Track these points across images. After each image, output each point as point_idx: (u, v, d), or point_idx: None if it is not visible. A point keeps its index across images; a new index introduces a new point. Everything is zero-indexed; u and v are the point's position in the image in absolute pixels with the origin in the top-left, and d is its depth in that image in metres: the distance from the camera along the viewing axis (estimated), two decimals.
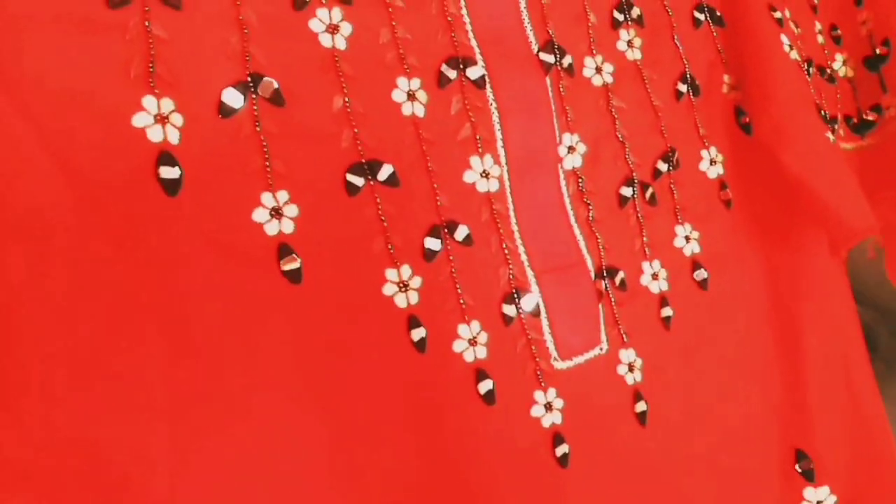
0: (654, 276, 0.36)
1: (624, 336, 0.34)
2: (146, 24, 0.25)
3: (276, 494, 0.27)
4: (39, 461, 0.23)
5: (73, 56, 0.24)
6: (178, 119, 0.25)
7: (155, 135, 0.25)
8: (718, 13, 0.39)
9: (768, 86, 0.37)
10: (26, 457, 0.23)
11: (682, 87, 0.38)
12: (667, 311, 0.36)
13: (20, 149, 0.23)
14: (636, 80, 0.36)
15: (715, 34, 0.39)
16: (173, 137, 0.25)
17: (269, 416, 0.27)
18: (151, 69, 0.25)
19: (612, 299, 0.34)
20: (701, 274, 0.37)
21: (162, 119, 0.25)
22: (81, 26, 0.24)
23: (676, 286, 0.37)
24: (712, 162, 0.39)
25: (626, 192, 0.35)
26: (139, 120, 0.24)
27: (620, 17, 0.36)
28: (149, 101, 0.25)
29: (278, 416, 0.27)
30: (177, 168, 0.25)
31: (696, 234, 0.38)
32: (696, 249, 0.37)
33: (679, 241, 0.37)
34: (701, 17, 0.39)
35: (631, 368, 0.34)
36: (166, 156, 0.25)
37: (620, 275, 0.35)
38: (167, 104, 0.25)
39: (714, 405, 0.37)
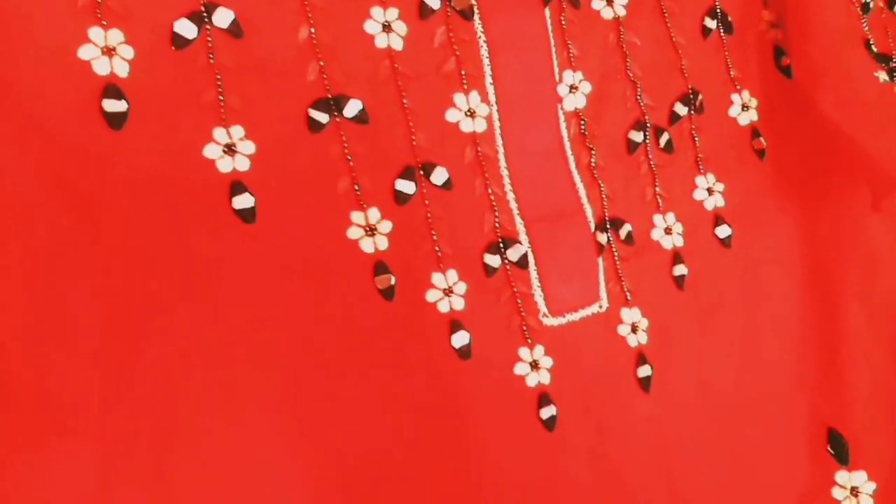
0: (668, 231, 0.33)
1: (628, 294, 0.32)
2: None
3: (235, 446, 0.26)
4: None
5: None
6: (127, 51, 0.24)
7: (101, 67, 0.24)
8: None
9: (809, 21, 0.33)
10: None
11: (711, 23, 0.34)
12: (680, 269, 0.33)
13: None
14: (654, 13, 0.33)
15: None
16: (121, 70, 0.24)
17: (220, 364, 0.26)
18: (99, 0, 0.24)
19: (616, 253, 0.32)
20: (724, 230, 0.34)
21: (109, 51, 0.24)
22: None
23: (693, 242, 0.33)
24: (744, 107, 0.35)
25: (637, 136, 0.32)
26: (85, 52, 0.24)
27: None
28: (95, 33, 0.24)
29: (231, 366, 0.26)
30: (123, 101, 0.24)
31: (720, 186, 0.34)
32: (720, 203, 0.34)
33: (700, 194, 0.34)
34: None
35: (634, 329, 0.32)
36: (112, 88, 0.24)
37: (626, 227, 0.32)
38: (116, 35, 0.24)
39: (732, 374, 0.34)
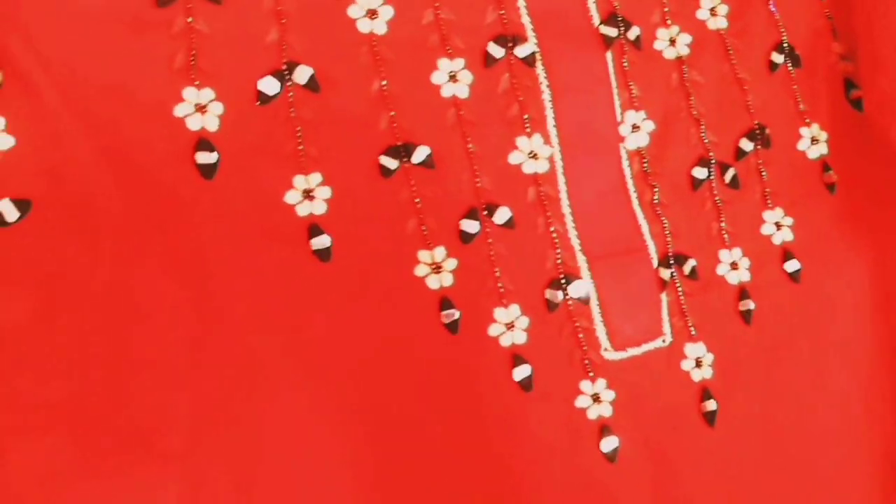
0: (734, 266, 0.33)
1: (692, 329, 0.32)
2: (189, 19, 0.27)
3: (299, 470, 0.28)
4: (71, 407, 0.25)
5: (120, 52, 0.26)
6: (217, 108, 0.27)
7: (194, 123, 0.27)
8: None
9: (880, 53, 0.32)
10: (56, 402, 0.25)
11: (778, 58, 0.34)
12: (747, 304, 0.33)
13: (69, 141, 0.25)
14: (718, 51, 0.34)
15: None
16: (212, 125, 0.27)
17: (295, 394, 0.28)
18: (193, 62, 0.27)
19: (680, 289, 0.32)
20: (793, 264, 0.34)
21: (201, 108, 0.27)
22: (131, 24, 0.26)
23: (761, 277, 0.33)
24: (813, 140, 0.35)
25: (700, 173, 0.33)
26: (180, 110, 0.26)
27: None
28: (189, 92, 0.27)
29: (305, 394, 0.28)
30: (214, 153, 0.27)
31: (788, 221, 0.34)
32: (788, 237, 0.34)
33: (767, 228, 0.34)
34: None
35: (699, 364, 0.32)
36: (204, 142, 0.27)
37: (690, 263, 0.32)
38: (207, 94, 0.27)
39: (800, 409, 0.33)
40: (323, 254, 0.28)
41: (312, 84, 0.28)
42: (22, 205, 0.25)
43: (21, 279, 0.25)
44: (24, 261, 0.25)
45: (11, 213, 0.25)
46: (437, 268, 0.29)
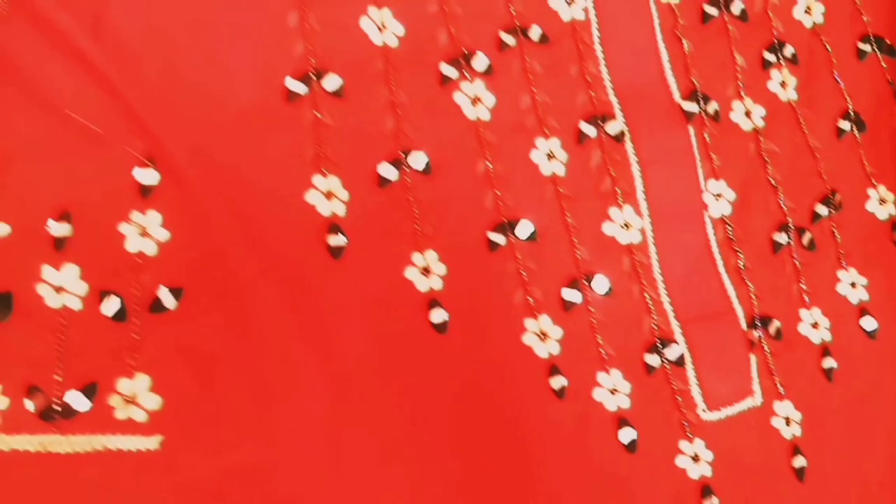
0: (815, 325, 0.35)
1: (780, 388, 0.33)
2: (316, 114, 0.29)
3: None
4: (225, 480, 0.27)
5: (259, 146, 0.28)
6: (343, 194, 0.29)
7: (324, 208, 0.29)
8: (888, 42, 0.37)
9: None
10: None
11: (845, 125, 0.36)
12: (829, 362, 0.34)
13: (218, 232, 0.27)
14: (791, 121, 0.36)
15: (884, 65, 0.37)
16: (340, 210, 0.29)
17: (413, 456, 0.29)
18: (321, 152, 0.29)
19: (767, 349, 0.34)
20: (870, 323, 0.35)
21: (329, 195, 0.29)
22: (267, 120, 0.28)
23: (840, 335, 0.35)
24: (881, 201, 0.36)
25: (780, 238, 0.34)
26: (311, 197, 0.29)
27: (772, 57, 0.36)
28: (318, 180, 0.29)
29: (422, 456, 0.29)
30: (342, 237, 0.29)
31: (863, 280, 0.36)
32: (864, 296, 0.35)
33: (843, 288, 0.35)
34: (866, 48, 0.37)
35: (788, 422, 0.33)
36: (334, 226, 0.29)
37: (775, 324, 0.34)
38: (334, 181, 0.29)
39: (885, 461, 0.34)
40: (441, 327, 0.29)
41: (426, 168, 0.30)
42: (176, 292, 0.27)
43: (180, 361, 0.26)
44: (181, 343, 0.27)
45: (169, 301, 0.27)
46: (543, 336, 0.30)
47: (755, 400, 0.33)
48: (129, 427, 0.26)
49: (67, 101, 0.27)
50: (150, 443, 0.26)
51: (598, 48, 0.33)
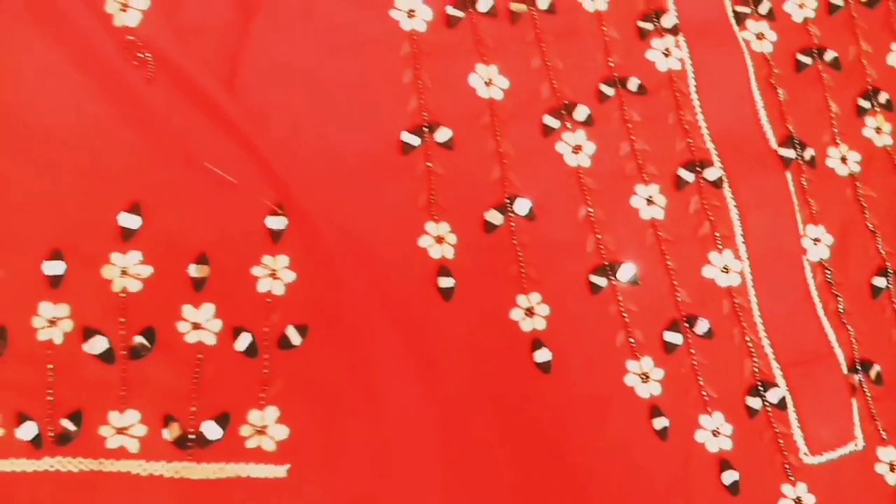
0: None
1: (882, 433, 0.33)
2: (428, 164, 0.31)
3: None
4: None
5: (376, 194, 0.30)
6: (452, 238, 0.31)
7: (435, 252, 0.30)
8: None
9: None
10: None
11: None
12: None
13: (341, 273, 0.29)
14: (886, 166, 0.36)
15: None
16: (449, 253, 0.30)
17: (520, 491, 0.30)
18: (432, 199, 0.31)
19: (868, 394, 0.33)
20: None
21: (440, 239, 0.30)
22: (383, 170, 0.30)
23: None
24: None
25: (880, 282, 0.34)
26: (423, 241, 0.30)
27: (866, 104, 0.36)
28: (430, 226, 0.30)
29: (528, 492, 0.30)
30: (452, 279, 0.30)
31: None
32: None
33: None
34: None
35: (892, 468, 0.33)
36: (444, 269, 0.30)
37: (875, 369, 0.34)
38: (444, 227, 0.31)
39: None
40: (545, 366, 0.31)
41: (530, 214, 0.31)
42: (302, 330, 0.29)
43: (306, 394, 0.28)
44: (307, 378, 0.28)
45: (296, 338, 0.29)
46: (645, 377, 0.31)
47: (857, 445, 0.33)
48: (259, 456, 0.28)
49: (205, 154, 0.30)
50: (279, 471, 0.28)
51: (694, 97, 0.34)
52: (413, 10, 0.33)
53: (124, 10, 0.30)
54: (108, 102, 0.30)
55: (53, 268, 0.28)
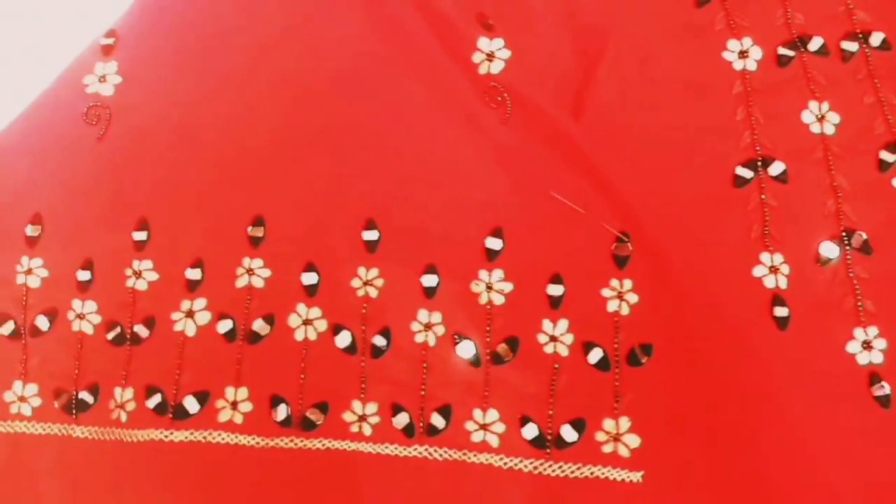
0: None
1: None
2: (762, 197, 0.32)
3: None
4: None
5: (709, 226, 0.32)
6: (786, 269, 0.32)
7: (769, 282, 0.32)
8: None
9: None
10: None
11: None
12: None
13: (683, 296, 0.31)
14: None
15: None
16: (783, 283, 0.32)
17: None
18: (766, 231, 0.32)
19: None
20: None
21: (774, 270, 0.32)
22: (719, 203, 0.32)
23: None
24: None
25: None
26: (757, 271, 0.32)
27: None
28: (765, 257, 0.32)
29: None
30: (786, 308, 0.31)
31: None
32: None
33: None
34: None
35: None
36: (779, 298, 0.32)
37: None
38: (778, 258, 0.32)
39: None
40: (883, 400, 0.31)
41: (866, 248, 0.32)
42: (647, 348, 0.31)
43: (654, 408, 0.31)
44: (654, 393, 0.31)
45: (642, 356, 0.31)
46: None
47: None
48: (615, 460, 0.30)
49: (557, 185, 0.33)
50: (634, 476, 0.30)
51: None
52: (745, 51, 0.35)
53: (490, 60, 0.35)
54: (467, 141, 0.35)
55: (430, 280, 0.33)
